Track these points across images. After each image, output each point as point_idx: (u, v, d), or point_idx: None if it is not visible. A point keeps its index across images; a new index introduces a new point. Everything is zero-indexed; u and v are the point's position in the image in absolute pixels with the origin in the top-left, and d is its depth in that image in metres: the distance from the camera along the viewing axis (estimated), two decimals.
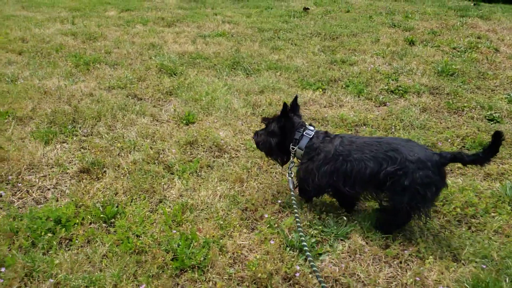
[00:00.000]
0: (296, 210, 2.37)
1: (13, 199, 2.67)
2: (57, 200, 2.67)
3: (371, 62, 5.72)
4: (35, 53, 5.72)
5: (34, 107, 4.01)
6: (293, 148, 2.59)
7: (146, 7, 8.77)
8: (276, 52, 6.16)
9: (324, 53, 6.20)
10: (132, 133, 3.61)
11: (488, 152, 2.12)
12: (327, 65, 5.63)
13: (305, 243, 2.15)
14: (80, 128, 3.68)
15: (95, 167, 3.00)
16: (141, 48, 6.11)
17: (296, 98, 2.72)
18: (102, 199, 2.64)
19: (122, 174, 2.99)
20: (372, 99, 4.66)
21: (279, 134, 2.64)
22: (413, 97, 4.71)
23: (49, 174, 2.95)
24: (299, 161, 2.65)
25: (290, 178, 2.60)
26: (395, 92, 4.82)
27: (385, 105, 4.54)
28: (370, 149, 2.34)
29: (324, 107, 4.44)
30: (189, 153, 3.38)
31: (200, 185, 2.92)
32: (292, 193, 2.51)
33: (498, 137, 2.07)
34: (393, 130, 3.93)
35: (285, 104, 2.55)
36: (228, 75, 5.26)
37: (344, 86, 4.94)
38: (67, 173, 2.98)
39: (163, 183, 2.90)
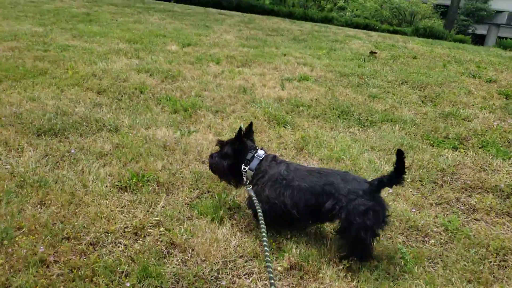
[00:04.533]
0: (262, 222, 2.25)
1: None
2: None
3: (485, 117, 5.33)
4: (117, 93, 5.11)
5: (164, 167, 3.39)
6: (244, 169, 2.64)
7: (207, 43, 8.30)
8: (375, 100, 5.74)
9: (425, 104, 5.81)
10: None
11: (397, 170, 2.25)
12: (441, 119, 5.22)
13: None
14: (234, 197, 3.08)
15: (308, 263, 2.38)
16: (232, 91, 5.59)
17: (251, 124, 2.80)
18: None
19: (340, 274, 2.37)
20: None
21: (232, 156, 2.70)
22: None
23: (252, 272, 2.31)
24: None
25: (249, 188, 2.59)
26: None
27: None
28: (310, 179, 2.44)
29: (478, 172, 3.96)
30: (386, 236, 2.80)
31: None
32: (255, 199, 2.46)
33: (400, 155, 2.21)
34: None
35: (240, 128, 2.65)
36: (343, 127, 4.78)
37: (479, 145, 4.51)
38: (276, 270, 2.35)
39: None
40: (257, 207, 2.37)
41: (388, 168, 3.81)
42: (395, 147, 4.27)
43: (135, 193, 2.94)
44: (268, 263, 1.88)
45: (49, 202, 2.69)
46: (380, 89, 6.24)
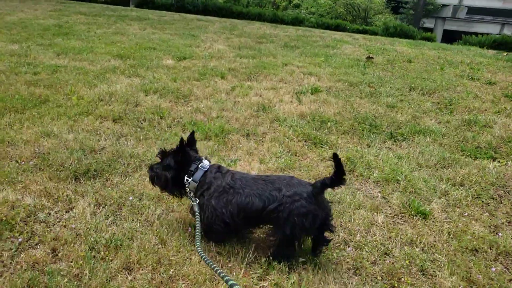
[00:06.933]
0: (198, 235, 2.35)
1: None
2: None
3: (504, 123, 5.48)
4: (136, 121, 4.71)
5: None
6: (187, 180, 2.59)
7: (201, 56, 7.97)
8: (395, 110, 5.74)
9: (442, 111, 5.90)
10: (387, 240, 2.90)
11: (337, 172, 2.30)
12: (465, 127, 5.31)
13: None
14: None
15: None
16: (252, 109, 5.36)
17: (193, 132, 2.75)
18: None
19: None
20: None
21: (175, 168, 2.64)
22: None
23: None
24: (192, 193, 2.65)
25: (195, 203, 2.56)
26: None
27: None
28: (257, 187, 2.46)
29: None
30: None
31: None
32: (197, 215, 2.50)
33: (336, 158, 2.25)
34: None
35: (181, 139, 2.60)
36: (379, 142, 4.72)
37: None
38: None
39: None
40: (197, 222, 2.43)
41: (445, 186, 3.78)
42: (439, 162, 4.27)
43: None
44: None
45: (135, 265, 2.37)
46: (394, 98, 6.26)
